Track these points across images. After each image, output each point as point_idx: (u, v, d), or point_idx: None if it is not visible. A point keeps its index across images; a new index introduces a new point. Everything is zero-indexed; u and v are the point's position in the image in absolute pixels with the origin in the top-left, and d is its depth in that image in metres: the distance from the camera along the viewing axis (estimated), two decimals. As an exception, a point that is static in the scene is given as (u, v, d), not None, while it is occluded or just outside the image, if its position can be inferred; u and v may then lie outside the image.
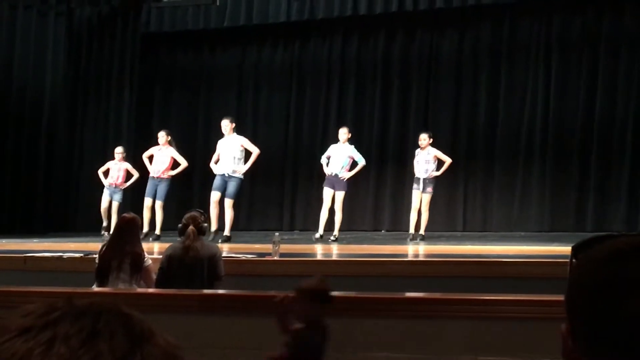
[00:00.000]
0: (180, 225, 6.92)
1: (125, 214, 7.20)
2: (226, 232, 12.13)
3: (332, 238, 12.15)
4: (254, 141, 12.97)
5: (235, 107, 16.04)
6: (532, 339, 3.84)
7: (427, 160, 12.30)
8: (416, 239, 12.18)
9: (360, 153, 12.76)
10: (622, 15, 13.93)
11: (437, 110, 15.12)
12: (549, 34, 14.43)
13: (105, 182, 13.45)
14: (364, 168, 12.60)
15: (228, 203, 12.17)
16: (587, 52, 14.16)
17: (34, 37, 15.33)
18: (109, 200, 13.34)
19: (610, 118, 13.89)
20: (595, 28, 14.11)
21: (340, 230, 12.47)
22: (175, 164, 13.05)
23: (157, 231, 12.75)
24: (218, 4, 14.75)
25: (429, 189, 12.23)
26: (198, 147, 15.61)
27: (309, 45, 16.06)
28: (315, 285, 4.39)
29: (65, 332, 0.73)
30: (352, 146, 12.50)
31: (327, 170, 12.43)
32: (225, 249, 9.26)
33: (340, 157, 12.32)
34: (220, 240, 11.46)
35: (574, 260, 1.22)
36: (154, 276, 6.74)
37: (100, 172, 13.60)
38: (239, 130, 13.12)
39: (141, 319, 0.78)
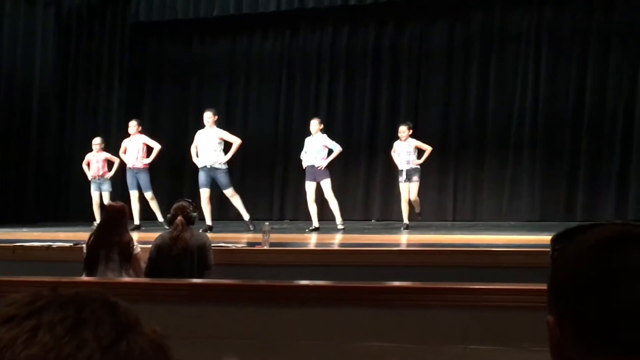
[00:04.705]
0: (168, 215, 6.91)
1: (113, 203, 7.17)
2: (245, 218, 12.17)
3: (339, 227, 12.18)
4: (244, 131, 12.96)
5: (225, 97, 16.05)
6: (522, 328, 3.85)
7: (408, 151, 12.38)
8: (407, 226, 12.28)
9: (351, 143, 12.73)
10: (612, 7, 13.96)
11: (427, 100, 15.14)
12: (539, 25, 14.45)
13: (89, 175, 13.38)
14: (343, 153, 12.60)
15: (229, 193, 12.24)
16: (578, 43, 14.19)
17: (23, 27, 15.25)
18: (99, 194, 13.29)
19: (600, 109, 13.94)
20: (586, 19, 14.14)
21: (328, 219, 12.52)
22: (149, 151, 12.98)
23: (160, 218, 12.65)
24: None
25: (415, 178, 12.31)
26: (189, 137, 15.60)
27: (299, 36, 16.05)
28: None
29: (49, 320, 0.72)
30: (325, 135, 12.49)
31: (304, 163, 12.43)
32: (215, 239, 9.24)
33: (314, 148, 12.31)
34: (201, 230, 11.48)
35: (554, 251, 1.21)
36: (143, 265, 6.73)
37: (84, 165, 13.51)
38: (229, 120, 13.10)
39: (127, 307, 0.78)
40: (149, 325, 0.78)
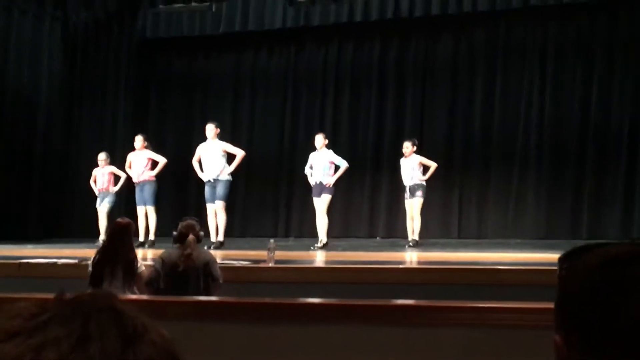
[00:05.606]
0: (176, 233, 6.85)
1: (119, 219, 7.10)
2: (219, 238, 12.09)
3: (318, 245, 12.13)
4: (249, 147, 12.94)
5: (230, 113, 16.06)
6: (527, 346, 3.83)
7: (412, 167, 12.38)
8: (411, 245, 12.20)
9: (356, 159, 12.67)
10: (616, 21, 13.98)
11: (432, 116, 15.14)
12: (544, 40, 14.47)
13: (96, 190, 13.36)
14: (348, 170, 12.58)
15: (219, 205, 12.12)
16: (582, 58, 14.20)
17: (30, 42, 15.30)
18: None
19: (606, 124, 13.93)
20: (590, 34, 14.16)
21: (333, 236, 12.49)
22: (154, 166, 12.95)
23: (152, 236, 12.66)
24: (214, 10, 14.79)
25: (419, 194, 12.27)
26: (193, 151, 15.65)
27: (304, 52, 16.08)
28: None
29: (54, 336, 0.71)
30: (331, 150, 12.51)
31: (312, 180, 12.43)
32: (220, 256, 9.23)
33: (321, 164, 12.31)
34: (212, 247, 11.42)
35: (562, 270, 1.21)
36: (147, 281, 6.69)
37: (91, 182, 13.47)
38: (234, 136, 13.09)
39: (134, 315, 0.77)
40: (157, 331, 0.77)
